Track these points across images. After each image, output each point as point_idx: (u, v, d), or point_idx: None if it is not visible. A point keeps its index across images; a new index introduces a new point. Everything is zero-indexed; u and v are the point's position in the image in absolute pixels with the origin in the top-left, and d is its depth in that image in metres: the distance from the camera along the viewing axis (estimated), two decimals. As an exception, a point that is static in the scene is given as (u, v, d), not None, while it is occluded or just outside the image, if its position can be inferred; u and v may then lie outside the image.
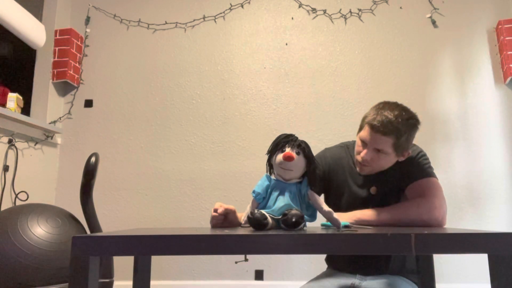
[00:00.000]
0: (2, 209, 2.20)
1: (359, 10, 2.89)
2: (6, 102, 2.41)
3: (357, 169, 1.36)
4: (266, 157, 1.09)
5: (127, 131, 2.86)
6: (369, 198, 1.36)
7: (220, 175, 2.75)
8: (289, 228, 0.91)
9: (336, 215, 0.95)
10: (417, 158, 1.33)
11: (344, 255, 1.43)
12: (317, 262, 2.34)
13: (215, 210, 1.17)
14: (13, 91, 2.47)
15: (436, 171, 1.35)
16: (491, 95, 2.68)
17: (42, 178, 2.69)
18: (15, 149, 2.43)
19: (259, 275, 2.58)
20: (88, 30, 3.04)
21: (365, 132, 1.26)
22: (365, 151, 1.27)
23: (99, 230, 1.88)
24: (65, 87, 2.95)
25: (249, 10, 2.97)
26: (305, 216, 0.97)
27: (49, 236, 1.67)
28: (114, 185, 2.78)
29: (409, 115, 1.25)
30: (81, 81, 2.96)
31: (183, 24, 2.98)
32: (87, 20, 3.04)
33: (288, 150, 1.02)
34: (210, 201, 2.71)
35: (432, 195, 1.23)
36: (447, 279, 2.45)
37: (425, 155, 1.36)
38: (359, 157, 1.30)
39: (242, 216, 1.04)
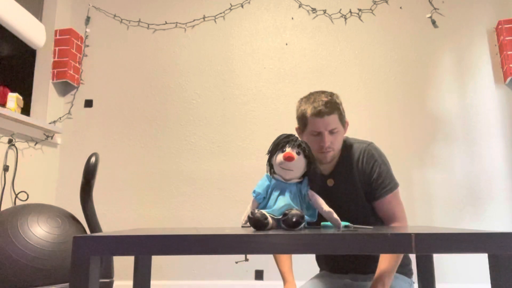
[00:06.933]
0: (2, 209, 2.20)
1: (359, 10, 2.89)
2: (6, 102, 2.41)
3: (321, 160, 1.37)
4: (266, 157, 1.09)
5: (127, 131, 2.86)
6: (328, 190, 1.38)
7: (220, 175, 2.75)
8: (289, 228, 0.91)
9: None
10: (379, 168, 1.35)
11: (333, 256, 1.44)
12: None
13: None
14: (13, 91, 2.46)
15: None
16: (491, 95, 2.68)
17: (42, 178, 2.69)
18: (15, 149, 2.43)
19: (259, 275, 2.58)
20: (88, 30, 3.04)
21: (314, 124, 1.32)
22: (324, 138, 1.30)
23: (99, 230, 1.88)
24: (65, 87, 2.95)
25: (249, 10, 2.97)
26: (305, 216, 0.97)
27: (49, 236, 1.67)
28: (114, 185, 2.78)
29: (330, 92, 1.38)
30: (81, 81, 2.96)
31: (183, 24, 2.98)
32: (87, 20, 3.04)
33: (288, 150, 1.02)
34: (210, 201, 2.71)
35: (397, 220, 1.33)
36: (447, 279, 2.45)
37: (382, 164, 1.36)
38: (322, 149, 1.31)
39: (242, 216, 1.04)
